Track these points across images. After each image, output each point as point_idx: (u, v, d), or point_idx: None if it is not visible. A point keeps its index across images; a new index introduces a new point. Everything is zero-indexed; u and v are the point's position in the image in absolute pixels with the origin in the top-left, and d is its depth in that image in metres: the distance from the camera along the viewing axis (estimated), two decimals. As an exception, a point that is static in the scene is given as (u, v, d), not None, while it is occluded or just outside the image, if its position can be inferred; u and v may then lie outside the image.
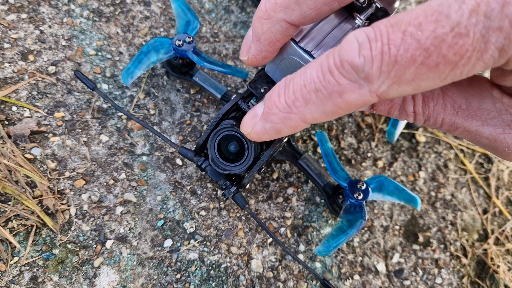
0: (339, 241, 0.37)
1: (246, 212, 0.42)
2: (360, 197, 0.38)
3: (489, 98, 0.22)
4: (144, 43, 0.47)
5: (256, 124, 0.25)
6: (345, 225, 0.38)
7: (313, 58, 0.27)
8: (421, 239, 0.45)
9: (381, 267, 0.43)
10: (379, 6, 0.27)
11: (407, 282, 0.42)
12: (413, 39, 0.16)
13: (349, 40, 0.18)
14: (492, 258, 0.45)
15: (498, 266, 0.44)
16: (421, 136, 0.50)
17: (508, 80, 0.20)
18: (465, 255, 0.45)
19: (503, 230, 0.47)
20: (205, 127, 0.45)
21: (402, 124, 0.46)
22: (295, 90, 0.21)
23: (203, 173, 0.42)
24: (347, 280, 0.41)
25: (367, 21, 0.28)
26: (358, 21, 0.28)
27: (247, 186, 0.40)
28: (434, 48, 0.16)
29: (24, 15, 0.45)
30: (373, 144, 0.48)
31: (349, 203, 0.39)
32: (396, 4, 0.29)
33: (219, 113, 0.35)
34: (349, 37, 0.18)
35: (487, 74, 0.21)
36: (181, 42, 0.40)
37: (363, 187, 0.38)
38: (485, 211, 0.48)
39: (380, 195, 0.39)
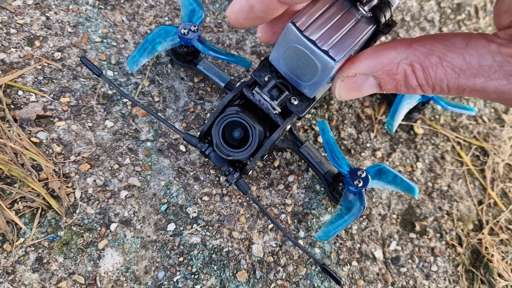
0: (339, 227, 0.38)
1: (247, 198, 0.43)
2: (360, 184, 0.39)
3: (487, 54, 0.22)
4: (149, 31, 0.48)
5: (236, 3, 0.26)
6: (345, 212, 0.39)
7: (318, 47, 0.28)
8: (417, 228, 0.46)
9: (378, 254, 0.44)
10: None
11: (403, 269, 0.44)
12: None
13: None
14: (486, 248, 0.46)
15: (492, 256, 0.45)
16: (419, 128, 0.51)
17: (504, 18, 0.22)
18: (460, 244, 0.46)
19: (497, 221, 0.48)
20: (208, 115, 0.46)
21: (400, 115, 0.46)
22: None
23: (206, 159, 0.43)
24: (345, 266, 0.42)
25: (370, 12, 0.28)
26: (362, 12, 0.28)
27: (250, 173, 0.41)
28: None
29: (30, 1, 0.45)
30: (372, 135, 0.49)
31: (349, 191, 0.40)
32: None
33: (224, 100, 0.36)
34: None
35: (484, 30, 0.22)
36: (186, 31, 0.41)
37: (363, 175, 0.39)
38: (480, 202, 0.49)
39: (379, 183, 0.40)
